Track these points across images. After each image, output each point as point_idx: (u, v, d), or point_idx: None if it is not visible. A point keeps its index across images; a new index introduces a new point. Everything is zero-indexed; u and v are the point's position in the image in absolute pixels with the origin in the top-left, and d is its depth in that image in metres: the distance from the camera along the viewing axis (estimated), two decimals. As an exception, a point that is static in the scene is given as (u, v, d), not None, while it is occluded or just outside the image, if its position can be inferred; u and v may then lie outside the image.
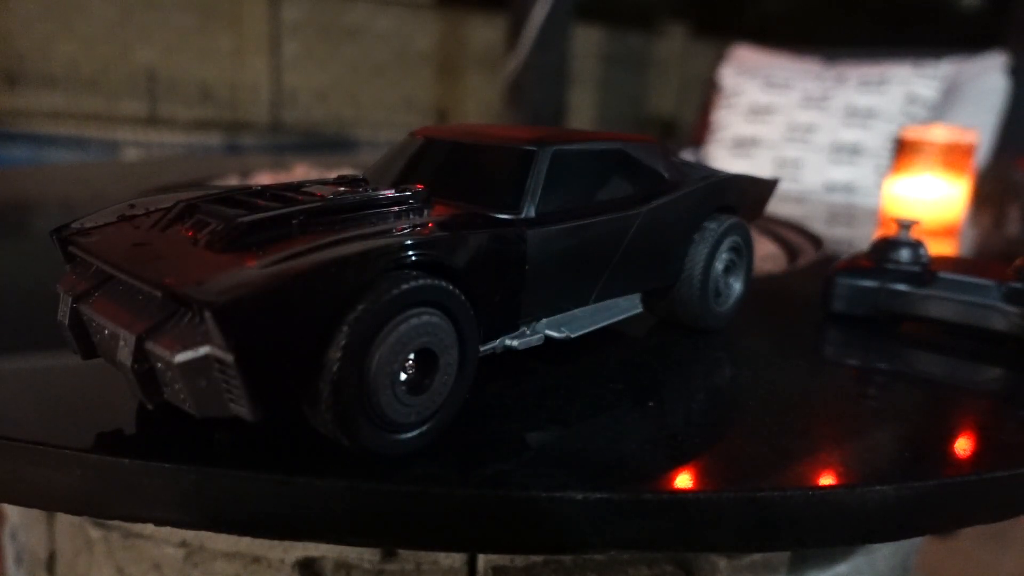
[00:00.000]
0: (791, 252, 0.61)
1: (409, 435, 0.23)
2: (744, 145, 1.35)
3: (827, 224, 0.78)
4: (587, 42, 3.06)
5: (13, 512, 0.47)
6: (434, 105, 3.08)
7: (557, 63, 2.10)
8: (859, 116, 1.26)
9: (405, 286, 0.22)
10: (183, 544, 0.34)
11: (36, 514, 0.42)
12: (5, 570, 0.48)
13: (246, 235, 0.22)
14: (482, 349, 0.26)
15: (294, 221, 0.23)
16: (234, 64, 2.54)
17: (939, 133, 0.76)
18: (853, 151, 1.27)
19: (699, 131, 1.52)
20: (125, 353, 0.21)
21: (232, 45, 2.51)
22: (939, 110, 1.28)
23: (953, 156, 0.75)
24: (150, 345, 0.21)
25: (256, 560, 0.33)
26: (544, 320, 0.30)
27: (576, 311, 0.31)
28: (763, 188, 0.40)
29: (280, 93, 2.71)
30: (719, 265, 0.35)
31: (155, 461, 0.22)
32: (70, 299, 0.24)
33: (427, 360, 0.23)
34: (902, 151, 0.77)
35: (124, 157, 2.08)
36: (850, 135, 1.26)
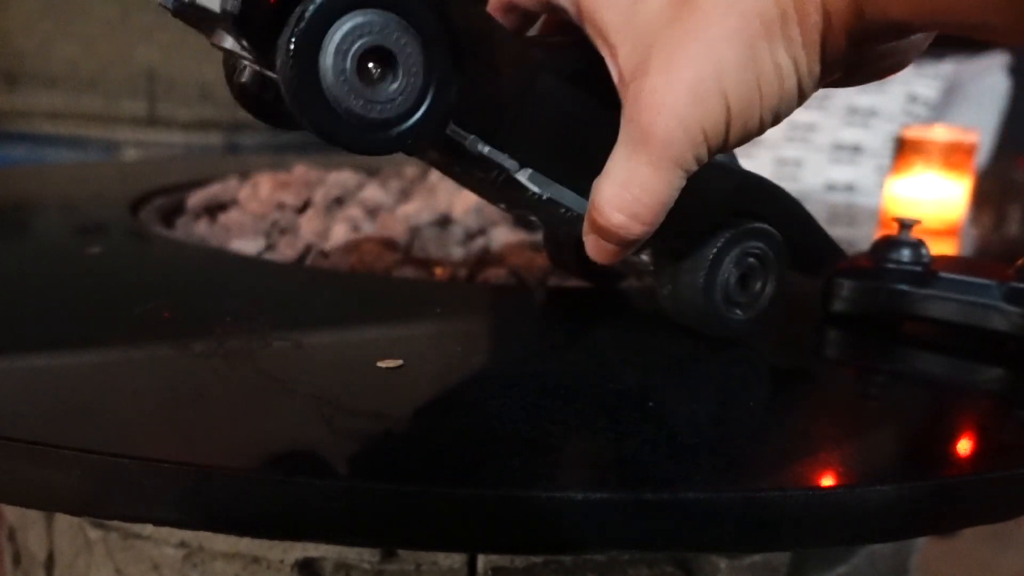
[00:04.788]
0: (791, 252, 0.61)
1: (390, 132, 0.25)
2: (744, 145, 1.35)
3: (828, 224, 0.78)
4: (587, 42, 3.05)
5: (12, 512, 0.47)
6: (434, 105, 3.07)
7: (557, 63, 2.09)
8: (860, 115, 1.26)
9: None
10: (182, 545, 0.34)
11: (35, 514, 0.42)
12: (3, 571, 0.48)
13: None
14: (455, 129, 0.27)
15: None
16: (234, 64, 2.54)
17: (940, 133, 0.76)
18: (854, 151, 1.26)
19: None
20: None
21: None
22: (940, 109, 1.28)
23: (954, 156, 0.75)
24: None
25: (256, 560, 0.33)
26: (530, 170, 0.29)
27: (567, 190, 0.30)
28: (826, 248, 0.38)
29: (280, 93, 2.70)
30: (732, 269, 0.33)
31: (155, 461, 0.22)
32: None
33: (386, 61, 0.24)
34: (903, 151, 0.77)
35: (124, 157, 2.08)
36: (851, 135, 1.26)
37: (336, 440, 0.24)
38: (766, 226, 0.34)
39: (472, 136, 0.28)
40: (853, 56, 0.27)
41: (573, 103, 0.29)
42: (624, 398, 0.28)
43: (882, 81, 0.31)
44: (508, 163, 0.28)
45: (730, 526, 0.22)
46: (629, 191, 0.27)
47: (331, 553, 0.33)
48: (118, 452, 0.22)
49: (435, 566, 0.32)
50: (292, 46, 0.23)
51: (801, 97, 0.27)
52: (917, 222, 0.40)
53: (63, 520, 0.39)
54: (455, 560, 0.32)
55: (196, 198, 0.61)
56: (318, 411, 0.25)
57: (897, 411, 0.30)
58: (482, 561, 0.32)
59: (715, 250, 0.33)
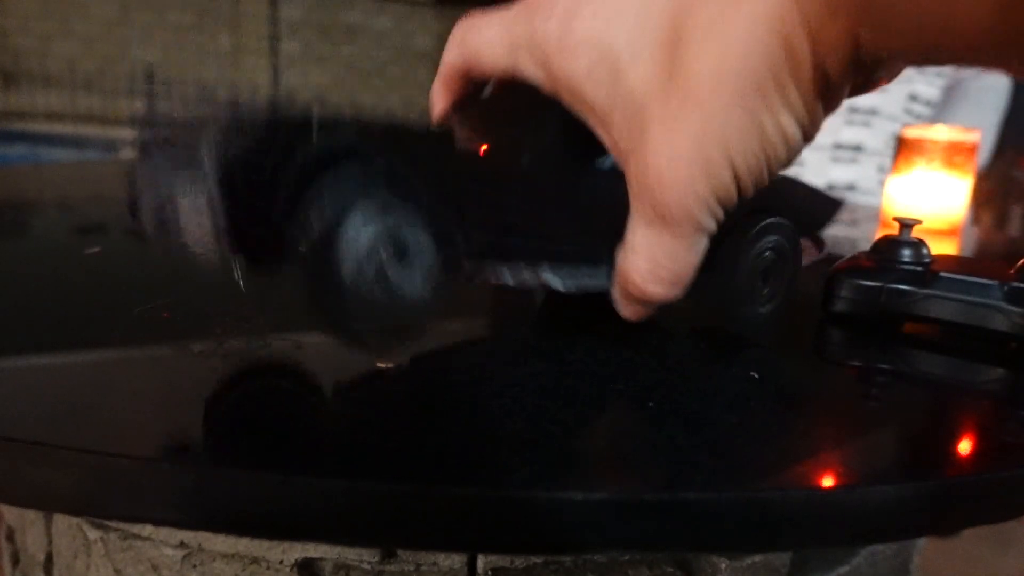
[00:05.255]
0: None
1: (411, 301, 0.26)
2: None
3: (829, 224, 0.78)
4: (587, 41, 3.05)
5: (10, 513, 0.47)
6: (434, 104, 3.07)
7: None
8: (860, 115, 1.26)
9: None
10: (181, 545, 0.34)
11: (33, 515, 0.42)
12: (2, 571, 0.48)
13: None
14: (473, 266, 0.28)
15: None
16: (233, 63, 2.54)
17: (941, 132, 0.76)
18: (855, 150, 1.26)
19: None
20: None
21: (231, 44, 2.51)
22: (941, 108, 1.28)
23: (955, 155, 0.75)
24: None
25: (255, 561, 0.33)
26: (549, 266, 0.30)
27: (587, 269, 0.31)
28: (821, 203, 0.38)
29: (279, 92, 2.71)
30: (751, 267, 0.34)
31: (155, 461, 0.22)
32: None
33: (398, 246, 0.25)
34: (904, 150, 0.77)
35: (122, 156, 2.08)
36: (851, 134, 1.26)
37: (336, 440, 0.24)
38: (781, 220, 0.34)
39: (492, 267, 0.29)
40: (851, 85, 0.27)
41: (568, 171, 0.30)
42: (624, 398, 0.28)
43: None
44: (530, 278, 0.29)
45: (730, 526, 0.22)
46: (660, 265, 0.28)
47: (331, 553, 0.33)
48: (117, 452, 0.22)
49: (435, 566, 0.32)
50: (313, 268, 0.24)
51: (807, 140, 0.27)
52: (918, 222, 0.40)
53: (62, 520, 0.39)
54: (455, 560, 0.32)
55: (196, 197, 0.60)
56: (318, 411, 0.25)
57: (897, 411, 0.30)
58: (482, 561, 0.32)
59: (732, 251, 0.33)
